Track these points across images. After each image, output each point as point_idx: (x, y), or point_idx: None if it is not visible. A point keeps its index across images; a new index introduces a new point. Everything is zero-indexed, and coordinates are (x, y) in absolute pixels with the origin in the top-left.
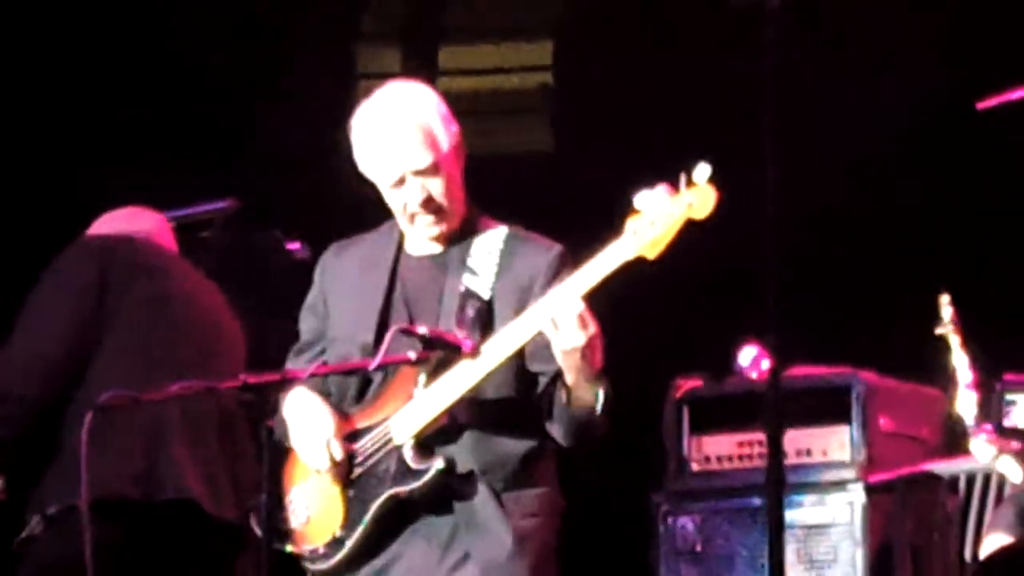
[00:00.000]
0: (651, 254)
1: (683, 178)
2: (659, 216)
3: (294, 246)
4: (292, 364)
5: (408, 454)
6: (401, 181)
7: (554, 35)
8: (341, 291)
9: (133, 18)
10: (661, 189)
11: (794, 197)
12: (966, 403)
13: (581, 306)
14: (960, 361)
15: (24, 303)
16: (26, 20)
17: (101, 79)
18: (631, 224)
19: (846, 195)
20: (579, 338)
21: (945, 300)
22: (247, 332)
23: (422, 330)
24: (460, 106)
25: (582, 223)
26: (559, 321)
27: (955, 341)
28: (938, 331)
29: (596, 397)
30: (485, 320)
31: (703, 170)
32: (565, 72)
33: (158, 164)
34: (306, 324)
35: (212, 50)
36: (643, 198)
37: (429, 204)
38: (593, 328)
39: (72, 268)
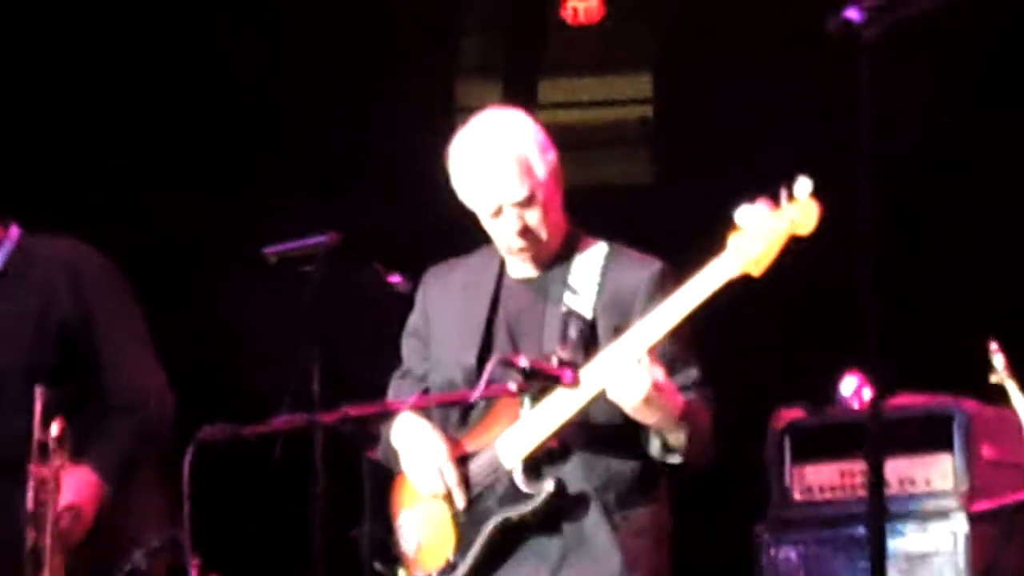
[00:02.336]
0: (755, 271)
1: (783, 193)
2: (761, 232)
3: (395, 279)
4: (395, 388)
5: (518, 477)
6: (498, 212)
7: (653, 68)
8: (443, 314)
9: (240, 57)
10: (762, 204)
11: (895, 223)
12: None
13: (633, 363)
14: (1020, 405)
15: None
16: (135, 59)
17: (207, 115)
18: (733, 240)
19: (946, 221)
20: (632, 397)
21: (993, 347)
22: (348, 365)
23: (523, 362)
24: (560, 139)
25: (683, 255)
26: (611, 382)
27: (1011, 386)
28: (992, 379)
29: (680, 442)
30: (588, 340)
31: (804, 184)
32: (665, 104)
33: (261, 199)
34: (408, 347)
35: (314, 85)
36: (744, 213)
37: (527, 234)
38: (646, 384)
39: (127, 287)
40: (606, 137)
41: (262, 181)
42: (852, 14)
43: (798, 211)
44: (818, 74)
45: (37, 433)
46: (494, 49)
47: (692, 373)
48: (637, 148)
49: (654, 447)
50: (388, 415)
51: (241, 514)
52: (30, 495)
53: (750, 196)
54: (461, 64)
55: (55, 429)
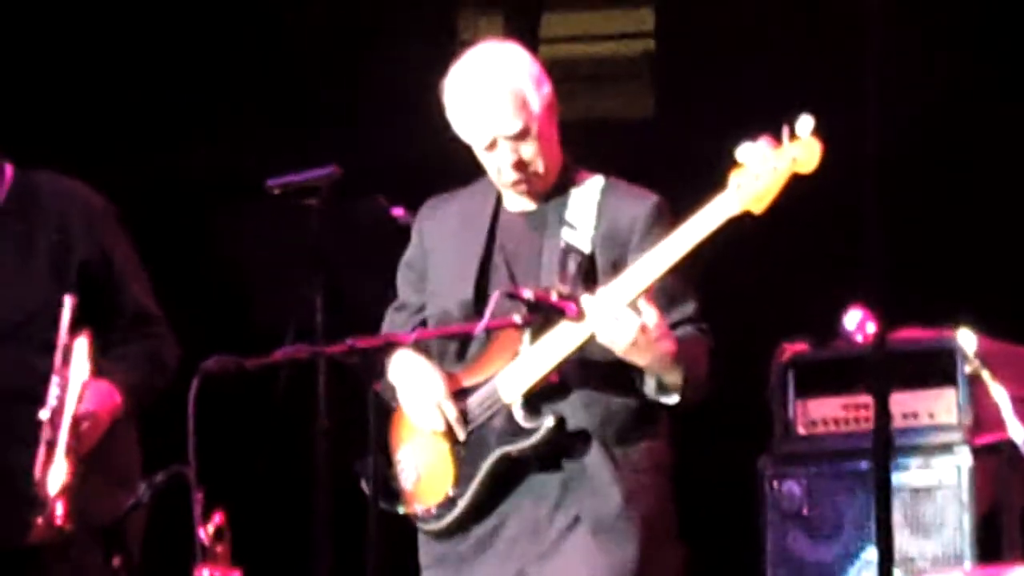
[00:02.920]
0: (757, 208)
1: (786, 131)
2: (763, 170)
3: (398, 212)
4: (390, 321)
5: (518, 413)
6: (493, 145)
7: (656, 1)
8: (440, 247)
9: None
10: (763, 142)
11: (900, 156)
12: (1017, 432)
13: (623, 307)
14: (999, 394)
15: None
16: None
17: (208, 51)
18: (734, 178)
19: (951, 156)
20: (621, 341)
21: (964, 335)
22: (352, 298)
23: (527, 294)
24: (561, 73)
25: (684, 190)
26: (599, 327)
27: (986, 376)
28: (967, 370)
29: (674, 382)
30: (587, 274)
31: (806, 122)
32: (666, 38)
33: (263, 134)
34: (404, 280)
35: (313, 19)
36: (746, 151)
37: (521, 167)
38: (633, 328)
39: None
40: (608, 71)
41: (265, 116)
42: None
43: (800, 149)
44: (824, 6)
45: (64, 338)
46: None
47: (688, 308)
48: (639, 82)
49: (649, 387)
50: (392, 347)
51: (245, 448)
52: (51, 394)
53: (752, 132)
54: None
55: (84, 340)
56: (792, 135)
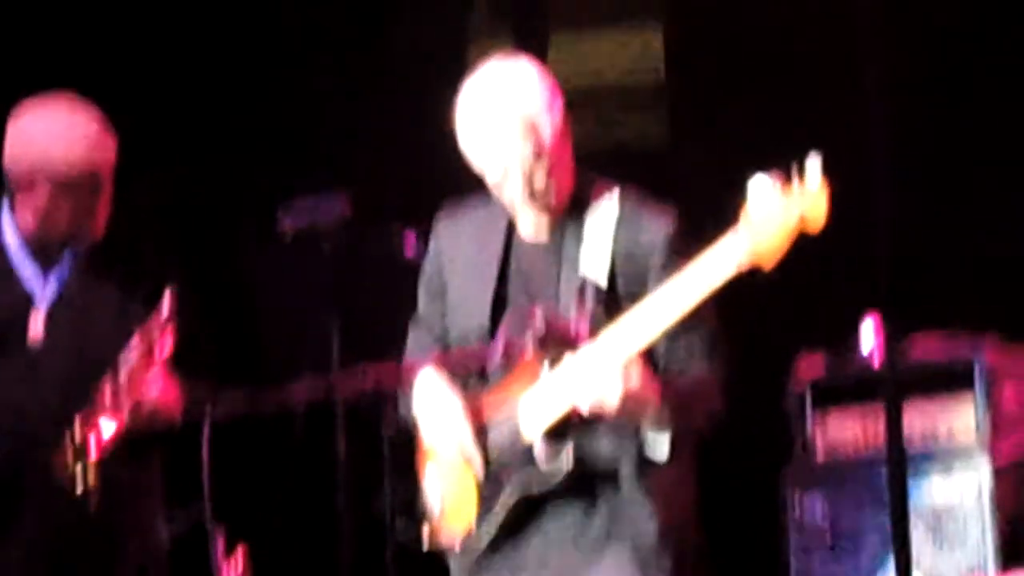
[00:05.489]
0: (767, 265)
1: (795, 172)
2: (770, 226)
3: (411, 240)
4: (412, 335)
5: (539, 452)
6: (505, 173)
7: (665, 25)
8: (456, 268)
9: (242, 17)
10: (774, 185)
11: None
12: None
13: (601, 376)
14: None
15: None
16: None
17: (211, 75)
18: (740, 233)
19: (960, 153)
20: (608, 408)
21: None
22: (368, 331)
23: (538, 322)
24: (571, 100)
25: (695, 215)
26: (578, 399)
27: None
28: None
29: (664, 441)
30: (607, 306)
31: (814, 165)
32: (677, 65)
33: (267, 157)
34: (424, 296)
35: (320, 46)
36: (755, 191)
37: (533, 191)
38: (615, 398)
39: None
40: (619, 99)
41: (266, 141)
42: None
43: (809, 203)
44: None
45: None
46: (505, 7)
47: (696, 335)
48: (650, 111)
49: (646, 443)
50: (408, 373)
51: (264, 483)
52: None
53: (761, 160)
54: (472, 23)
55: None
56: (801, 178)
